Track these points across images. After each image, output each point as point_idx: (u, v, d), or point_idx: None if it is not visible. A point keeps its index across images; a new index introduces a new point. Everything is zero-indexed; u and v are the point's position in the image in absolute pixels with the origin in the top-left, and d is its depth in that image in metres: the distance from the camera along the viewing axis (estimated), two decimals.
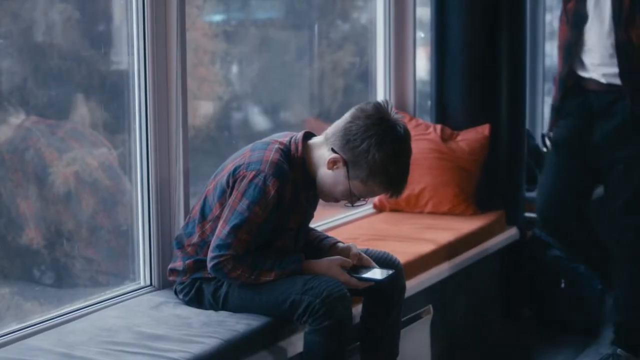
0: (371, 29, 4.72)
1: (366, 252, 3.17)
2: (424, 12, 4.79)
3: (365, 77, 4.77)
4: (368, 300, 3.17)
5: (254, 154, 2.98)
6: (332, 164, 2.95)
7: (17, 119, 3.19)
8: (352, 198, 3.00)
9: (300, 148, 3.00)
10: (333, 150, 2.95)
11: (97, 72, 3.40)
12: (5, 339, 2.87)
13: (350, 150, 2.93)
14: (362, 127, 2.92)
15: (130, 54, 3.29)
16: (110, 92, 3.39)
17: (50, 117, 3.31)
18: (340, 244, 3.15)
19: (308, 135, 3.07)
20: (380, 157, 2.89)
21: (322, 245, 3.15)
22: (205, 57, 4.16)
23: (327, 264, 3.02)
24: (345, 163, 2.93)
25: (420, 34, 4.84)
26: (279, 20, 4.60)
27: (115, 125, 3.40)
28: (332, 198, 3.05)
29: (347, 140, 2.93)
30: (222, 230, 2.94)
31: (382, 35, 4.62)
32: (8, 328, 2.94)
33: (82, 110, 3.36)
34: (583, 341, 4.48)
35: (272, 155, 2.95)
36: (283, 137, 3.05)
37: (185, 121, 3.31)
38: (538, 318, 4.70)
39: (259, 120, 4.51)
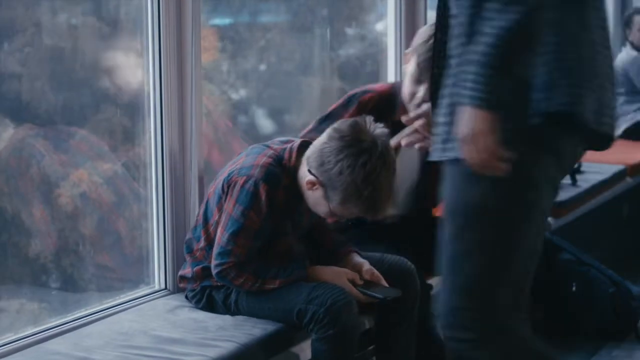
0: (382, 31, 4.72)
1: (382, 257, 3.14)
2: (434, 16, 4.78)
3: (376, 80, 4.76)
4: (380, 307, 3.15)
5: (247, 159, 2.97)
6: (310, 185, 2.91)
7: (29, 126, 3.18)
8: (335, 217, 2.98)
9: (294, 158, 2.96)
10: (309, 171, 2.91)
11: (112, 77, 3.41)
12: (22, 343, 2.86)
13: (325, 172, 2.86)
14: (336, 149, 2.84)
15: (146, 59, 3.30)
16: (125, 97, 3.39)
17: (64, 124, 3.31)
18: (355, 256, 3.11)
19: (306, 144, 3.00)
20: (352, 180, 2.82)
21: (337, 252, 3.12)
22: (212, 60, 4.16)
23: (335, 272, 3.00)
24: (322, 184, 2.89)
25: None
26: (285, 24, 4.60)
27: (129, 130, 3.39)
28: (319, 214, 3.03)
29: (322, 162, 2.87)
30: (221, 237, 2.94)
31: (393, 37, 4.61)
32: (24, 332, 2.95)
33: (97, 116, 3.36)
34: (594, 345, 4.48)
35: (263, 159, 2.93)
36: (280, 144, 3.02)
37: (200, 124, 3.31)
38: (549, 321, 4.68)
39: (265, 123, 4.51)
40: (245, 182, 2.90)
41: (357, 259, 3.09)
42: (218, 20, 4.29)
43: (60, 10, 3.28)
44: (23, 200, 3.15)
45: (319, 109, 4.68)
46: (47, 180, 3.22)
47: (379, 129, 2.89)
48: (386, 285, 3.03)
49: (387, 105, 3.33)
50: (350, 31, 4.89)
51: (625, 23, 6.81)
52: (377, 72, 4.75)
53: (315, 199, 2.93)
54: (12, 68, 3.10)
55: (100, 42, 3.37)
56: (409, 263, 3.17)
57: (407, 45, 4.61)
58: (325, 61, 4.73)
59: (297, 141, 3.01)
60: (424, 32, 3.29)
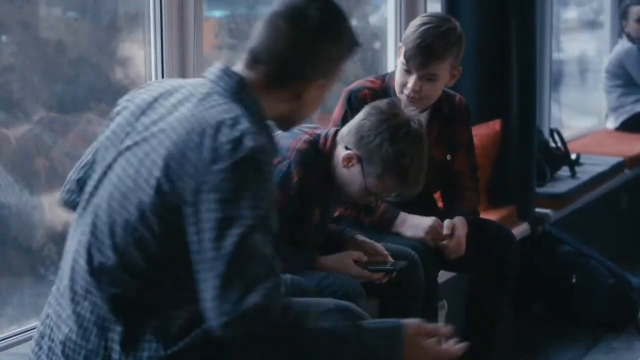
0: (382, 26, 4.72)
1: (385, 247, 3.15)
2: (435, 9, 4.78)
3: (374, 72, 4.77)
4: (385, 295, 3.16)
5: (281, 140, 2.96)
6: (347, 161, 2.93)
7: (28, 119, 3.18)
8: (368, 197, 2.99)
9: (329, 143, 2.99)
10: (347, 147, 2.95)
11: (114, 68, 3.41)
12: (27, 335, 2.87)
13: (364, 146, 2.91)
14: (375, 122, 2.91)
15: (148, 50, 3.30)
16: (128, 88, 3.39)
17: (67, 115, 3.32)
18: (359, 237, 3.14)
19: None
20: (393, 151, 2.87)
21: (341, 238, 3.14)
22: (209, 51, 4.16)
23: (339, 258, 3.02)
24: (360, 159, 2.92)
25: None
26: None
27: None
28: (350, 198, 3.04)
29: (361, 136, 2.92)
30: None
31: (393, 32, 4.62)
32: (29, 325, 2.95)
33: (99, 107, 3.36)
34: (594, 336, 4.49)
35: (299, 144, 2.95)
36: (312, 129, 3.04)
37: None
38: (549, 313, 4.70)
39: None
40: (280, 162, 2.91)
41: (359, 238, 3.11)
42: (215, 12, 4.29)
43: (60, 2, 3.27)
44: (31, 190, 3.15)
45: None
46: (52, 170, 3.22)
47: (412, 110, 2.97)
48: (391, 259, 3.06)
49: (382, 98, 3.37)
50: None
51: (622, 15, 6.81)
52: (378, 65, 4.76)
53: (350, 175, 2.94)
54: (7, 61, 3.10)
55: (103, 33, 3.37)
56: (413, 252, 3.19)
57: None
58: None
59: (332, 129, 3.04)
60: (413, 23, 3.39)
